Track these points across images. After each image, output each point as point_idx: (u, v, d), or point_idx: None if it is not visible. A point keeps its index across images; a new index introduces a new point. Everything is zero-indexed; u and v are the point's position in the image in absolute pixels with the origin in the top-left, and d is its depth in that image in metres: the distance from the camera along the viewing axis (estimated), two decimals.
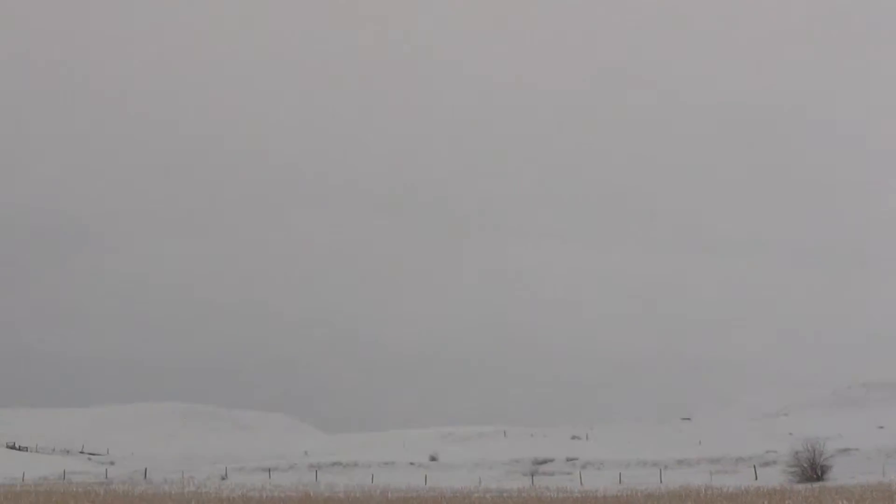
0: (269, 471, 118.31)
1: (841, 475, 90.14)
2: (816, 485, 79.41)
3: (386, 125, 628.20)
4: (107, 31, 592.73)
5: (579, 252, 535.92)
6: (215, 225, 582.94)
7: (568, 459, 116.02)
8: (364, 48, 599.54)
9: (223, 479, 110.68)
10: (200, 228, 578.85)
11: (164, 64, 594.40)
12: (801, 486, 77.16)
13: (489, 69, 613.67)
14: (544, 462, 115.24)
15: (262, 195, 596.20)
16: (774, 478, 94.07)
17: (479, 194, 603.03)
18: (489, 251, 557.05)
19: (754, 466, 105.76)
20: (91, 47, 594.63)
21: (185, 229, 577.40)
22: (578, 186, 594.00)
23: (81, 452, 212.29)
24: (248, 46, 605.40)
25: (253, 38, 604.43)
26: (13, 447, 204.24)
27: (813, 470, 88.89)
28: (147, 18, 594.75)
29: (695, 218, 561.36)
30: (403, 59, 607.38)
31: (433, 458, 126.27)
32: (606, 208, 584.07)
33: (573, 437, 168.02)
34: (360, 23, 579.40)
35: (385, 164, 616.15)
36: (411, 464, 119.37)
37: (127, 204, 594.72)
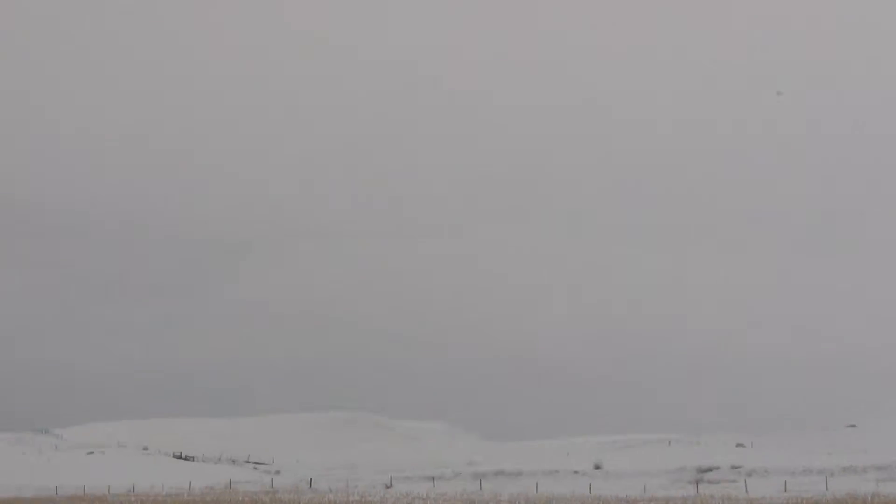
0: (433, 479, 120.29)
1: None
2: None
3: None
4: None
5: (741, 256, 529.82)
6: (382, 233, 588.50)
7: (733, 467, 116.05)
8: None
9: (388, 487, 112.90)
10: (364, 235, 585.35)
11: None
12: None
13: None
14: (709, 470, 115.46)
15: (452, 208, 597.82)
16: None
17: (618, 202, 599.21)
18: (631, 259, 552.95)
19: None
20: None
21: (354, 235, 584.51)
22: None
23: (247, 462, 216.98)
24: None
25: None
26: (180, 457, 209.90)
27: None
28: None
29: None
30: None
31: (597, 467, 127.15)
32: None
33: (738, 445, 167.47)
34: None
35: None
36: (575, 472, 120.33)
37: (281, 215, 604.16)
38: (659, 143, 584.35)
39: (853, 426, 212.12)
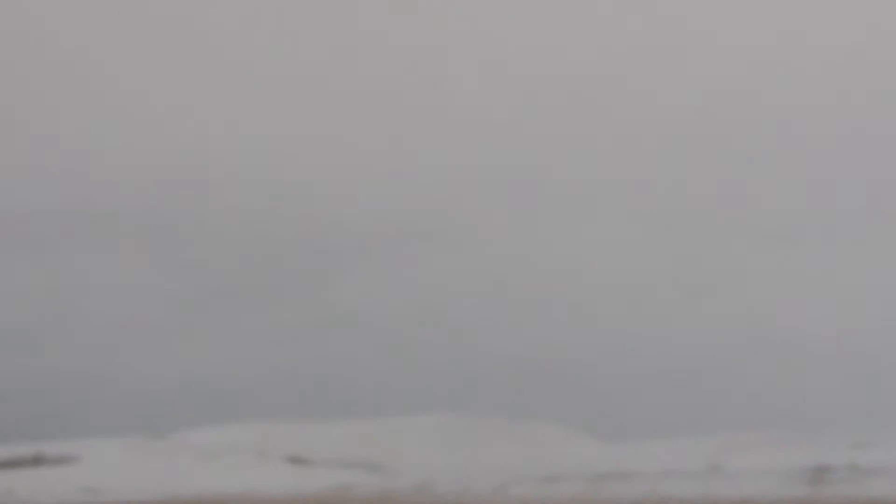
0: (550, 481, 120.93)
1: None
2: None
3: None
4: None
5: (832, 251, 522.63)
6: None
7: (851, 466, 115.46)
8: None
9: (503, 489, 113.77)
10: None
11: None
12: None
13: None
14: (827, 469, 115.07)
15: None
16: None
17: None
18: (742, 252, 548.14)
19: None
20: None
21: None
22: None
23: (363, 465, 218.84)
24: None
25: None
26: (296, 460, 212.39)
27: None
28: None
29: None
30: None
31: (713, 466, 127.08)
32: None
33: (856, 443, 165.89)
34: None
35: None
36: (691, 472, 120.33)
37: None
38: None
39: None
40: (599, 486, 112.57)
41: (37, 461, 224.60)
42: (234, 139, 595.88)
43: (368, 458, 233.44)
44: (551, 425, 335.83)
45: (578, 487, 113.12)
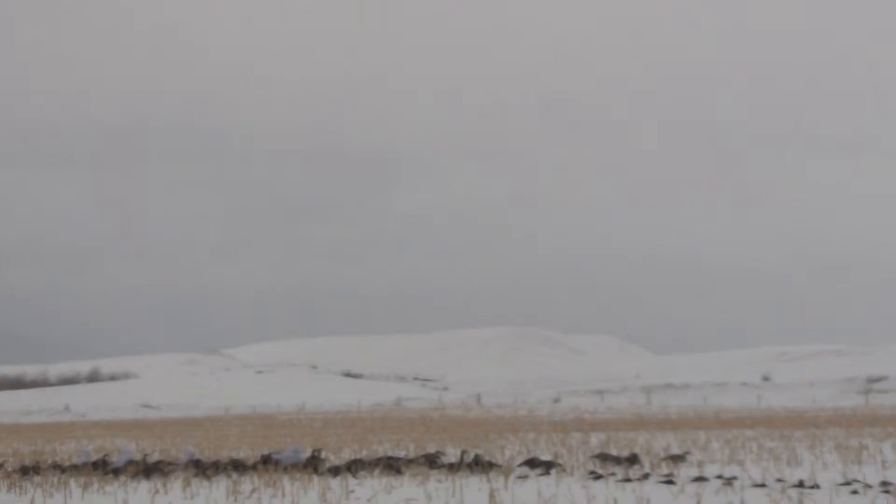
0: (602, 393, 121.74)
1: None
2: None
3: None
4: None
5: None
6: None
7: None
8: None
9: (556, 402, 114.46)
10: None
11: None
12: None
13: None
14: (879, 380, 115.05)
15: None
16: None
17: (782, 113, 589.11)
18: (797, 170, 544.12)
19: None
20: None
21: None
22: None
23: (415, 379, 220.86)
24: None
25: None
26: (349, 375, 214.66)
27: None
28: None
29: None
30: None
31: (766, 378, 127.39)
32: None
33: None
34: None
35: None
36: (743, 384, 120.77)
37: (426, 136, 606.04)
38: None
39: None
40: (651, 398, 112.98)
41: (94, 377, 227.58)
42: (291, 58, 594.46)
43: (423, 372, 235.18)
44: (605, 337, 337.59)
45: (630, 399, 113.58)
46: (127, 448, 31.12)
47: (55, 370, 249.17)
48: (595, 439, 42.42)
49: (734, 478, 24.26)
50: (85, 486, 24.56)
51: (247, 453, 35.48)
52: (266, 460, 28.71)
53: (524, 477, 26.31)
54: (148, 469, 27.48)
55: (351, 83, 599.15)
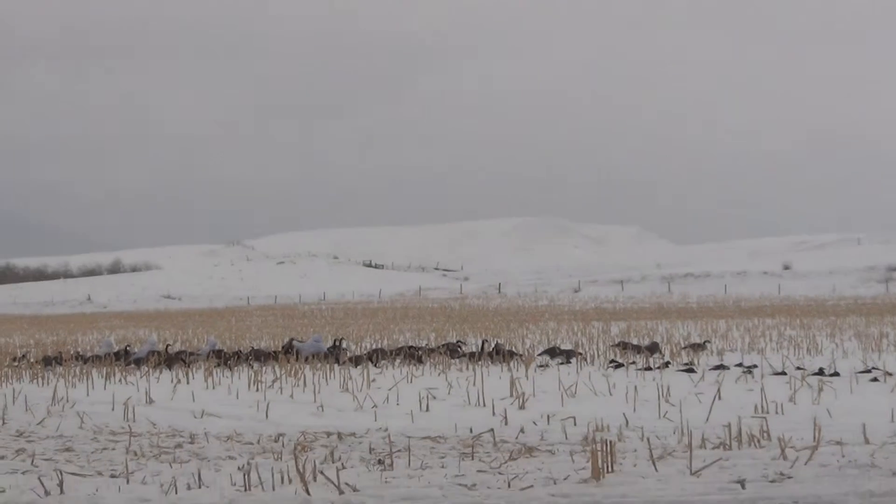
0: (622, 283, 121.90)
1: None
2: None
3: None
4: None
5: None
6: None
7: None
8: None
9: (576, 291, 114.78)
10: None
11: None
12: None
13: None
14: None
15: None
16: None
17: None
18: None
19: None
20: None
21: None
22: None
23: (436, 269, 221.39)
24: None
25: None
26: (370, 265, 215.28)
27: None
28: None
29: None
30: None
31: (786, 267, 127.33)
32: None
33: None
34: None
35: None
36: (764, 273, 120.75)
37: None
38: None
39: None
40: (672, 287, 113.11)
41: (115, 269, 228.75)
42: None
43: (443, 262, 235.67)
44: (625, 227, 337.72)
45: (651, 288, 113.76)
46: (149, 339, 31.34)
47: (77, 261, 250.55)
48: (615, 328, 42.57)
49: (754, 366, 24.36)
50: (107, 377, 24.76)
51: (268, 343, 35.72)
52: (287, 350, 28.92)
53: (545, 366, 26.46)
54: (170, 359, 27.71)
55: None
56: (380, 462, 13.34)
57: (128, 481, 12.53)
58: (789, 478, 11.75)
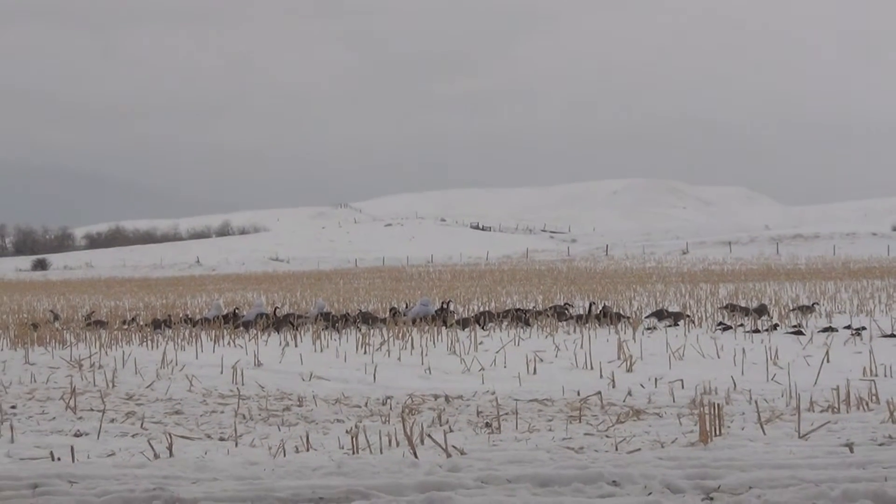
0: (730, 244, 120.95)
1: None
2: None
3: None
4: None
5: None
6: None
7: None
8: None
9: (684, 253, 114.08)
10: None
11: None
12: None
13: None
14: None
15: None
16: None
17: None
18: None
19: None
20: None
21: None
22: None
23: (543, 230, 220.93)
24: None
25: None
26: (477, 227, 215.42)
27: None
28: None
29: None
30: None
31: (895, 228, 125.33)
32: None
33: None
34: None
35: None
36: (873, 234, 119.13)
37: None
38: None
39: None
40: (780, 249, 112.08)
41: (224, 231, 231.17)
42: None
43: (551, 224, 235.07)
44: (734, 188, 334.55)
45: (759, 250, 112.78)
46: (257, 301, 31.67)
47: (186, 224, 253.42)
48: (723, 290, 42.29)
49: (863, 328, 24.10)
50: (216, 339, 25.09)
51: (376, 306, 35.93)
52: (395, 313, 29.08)
53: (652, 328, 26.39)
54: (278, 322, 27.98)
55: None
56: (487, 425, 13.40)
57: (236, 444, 12.70)
58: None
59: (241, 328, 27.58)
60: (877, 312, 29.32)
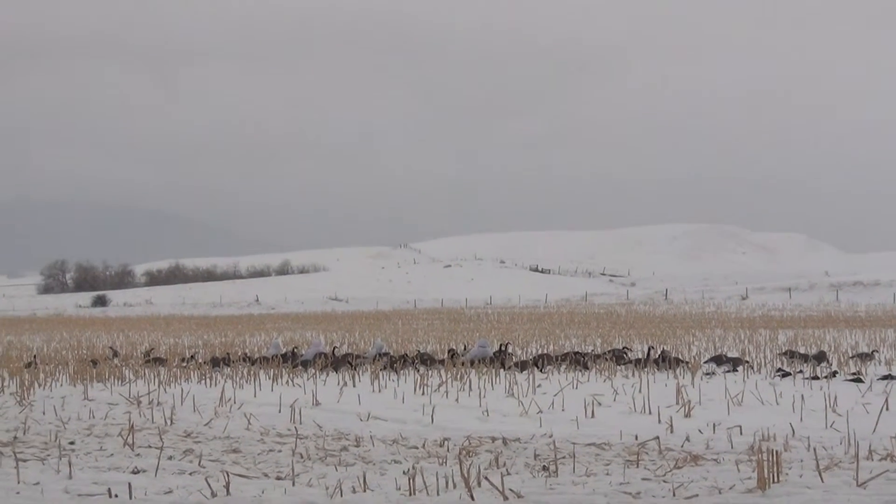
0: (790, 290, 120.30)
1: None
2: None
3: None
4: None
5: None
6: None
7: None
8: None
9: (743, 299, 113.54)
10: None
11: None
12: None
13: None
14: None
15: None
16: None
17: None
18: None
19: None
20: None
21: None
22: None
23: (603, 274, 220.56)
24: None
25: None
26: (536, 270, 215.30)
27: None
28: None
29: None
30: None
31: None
32: None
33: None
34: None
35: None
36: None
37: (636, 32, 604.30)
38: None
39: None
40: (840, 295, 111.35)
41: (283, 270, 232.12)
42: None
43: (610, 267, 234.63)
44: (794, 234, 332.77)
45: (818, 296, 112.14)
46: (316, 340, 31.76)
47: (246, 262, 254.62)
48: (782, 336, 42.02)
49: None
50: (274, 378, 25.19)
51: (434, 347, 35.96)
52: (453, 354, 29.10)
53: (711, 373, 26.25)
54: (336, 361, 28.06)
55: None
56: (544, 468, 13.38)
57: (293, 483, 12.75)
58: None
59: (300, 367, 27.68)
60: None
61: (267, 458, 14.51)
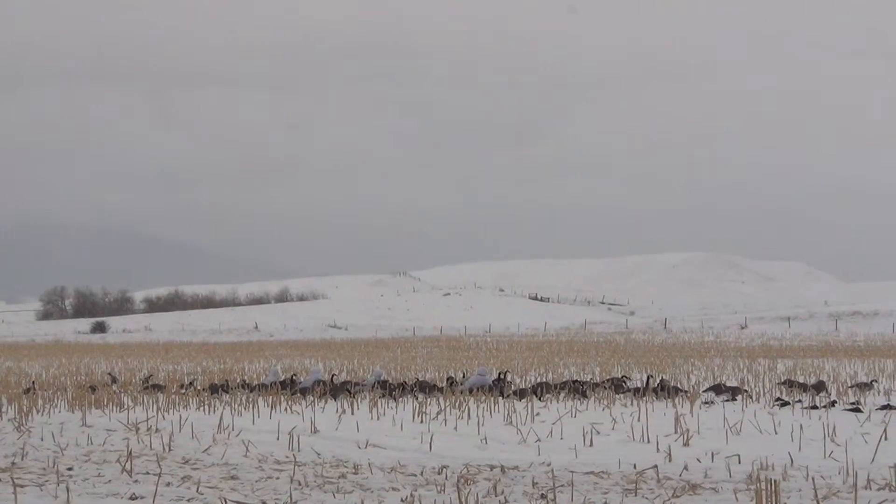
0: (789, 320, 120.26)
1: None
2: None
3: None
4: None
5: None
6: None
7: None
8: None
9: (742, 328, 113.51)
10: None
11: None
12: None
13: None
14: None
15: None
16: None
17: None
18: None
19: None
20: None
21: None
22: None
23: (602, 302, 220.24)
24: None
25: None
26: (535, 298, 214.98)
27: None
28: None
29: None
30: None
31: None
32: None
33: None
34: None
35: None
36: None
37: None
38: None
39: None
40: (839, 325, 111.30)
41: (282, 298, 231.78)
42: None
43: (609, 296, 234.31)
44: (793, 264, 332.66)
45: (818, 326, 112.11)
46: (314, 368, 31.76)
47: (245, 290, 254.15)
48: (782, 366, 42.00)
49: None
50: (272, 405, 25.17)
51: (433, 375, 35.95)
52: (452, 382, 29.10)
53: (710, 402, 26.26)
54: (335, 389, 28.04)
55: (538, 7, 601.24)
56: (542, 496, 13.38)
57: None
58: None
59: (299, 395, 27.66)
60: None
61: (265, 486, 14.51)
